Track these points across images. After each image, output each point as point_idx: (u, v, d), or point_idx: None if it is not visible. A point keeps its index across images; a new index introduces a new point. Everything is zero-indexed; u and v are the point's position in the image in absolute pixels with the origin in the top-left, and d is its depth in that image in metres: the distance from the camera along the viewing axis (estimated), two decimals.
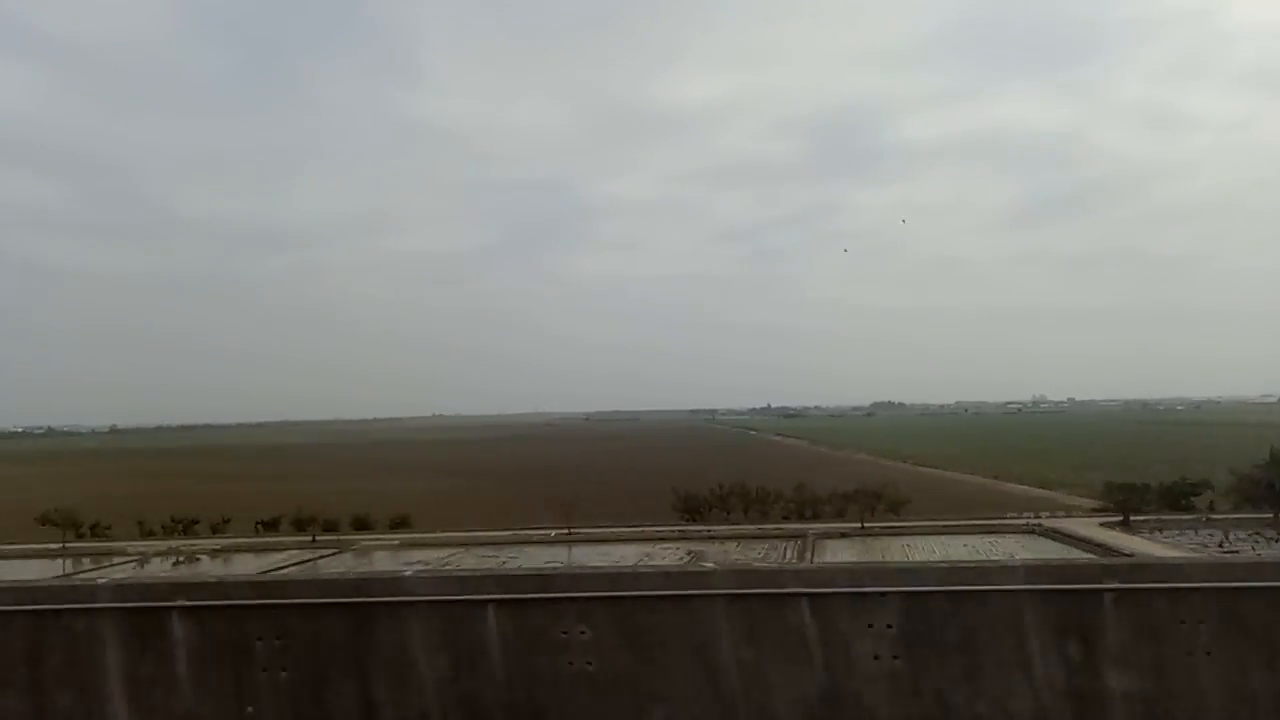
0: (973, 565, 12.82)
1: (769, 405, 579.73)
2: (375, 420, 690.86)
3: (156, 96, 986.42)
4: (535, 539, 46.04)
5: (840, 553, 39.93)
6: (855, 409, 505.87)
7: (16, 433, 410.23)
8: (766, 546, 42.15)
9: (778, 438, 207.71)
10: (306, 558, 42.90)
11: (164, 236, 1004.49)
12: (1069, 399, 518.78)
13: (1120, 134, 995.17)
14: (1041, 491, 67.04)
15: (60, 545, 48.57)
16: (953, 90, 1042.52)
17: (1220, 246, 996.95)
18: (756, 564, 33.39)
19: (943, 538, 43.19)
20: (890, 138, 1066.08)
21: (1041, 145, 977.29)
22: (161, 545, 46.84)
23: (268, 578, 16.25)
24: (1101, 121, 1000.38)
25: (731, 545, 43.12)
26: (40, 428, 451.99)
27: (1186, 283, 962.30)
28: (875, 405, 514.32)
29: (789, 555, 39.59)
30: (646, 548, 42.24)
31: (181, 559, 42.99)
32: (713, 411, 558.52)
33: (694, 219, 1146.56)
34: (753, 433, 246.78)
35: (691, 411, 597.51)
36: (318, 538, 48.25)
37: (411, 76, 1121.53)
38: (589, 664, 11.16)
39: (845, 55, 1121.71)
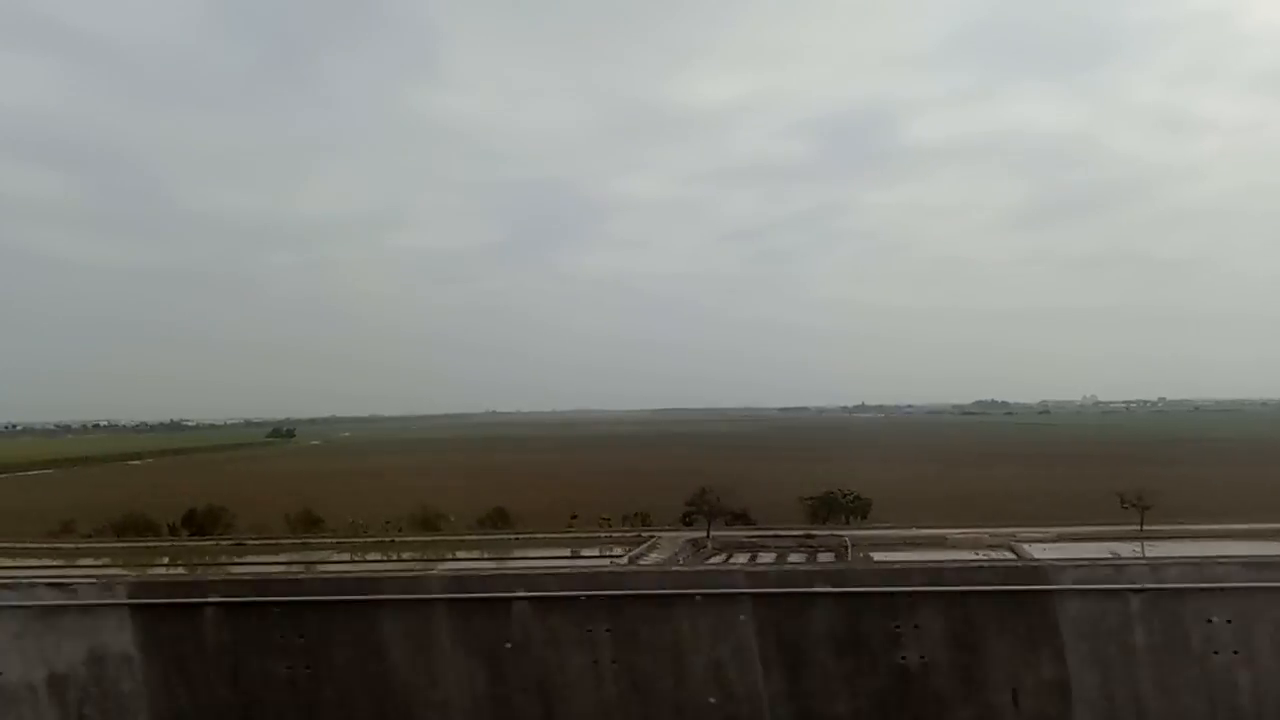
0: None
1: (863, 403, 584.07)
2: (435, 417, 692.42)
3: (174, 91, 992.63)
4: None
5: None
6: (955, 407, 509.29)
7: (89, 428, 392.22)
8: None
9: None
10: None
11: (175, 231, 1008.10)
12: (1160, 398, 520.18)
13: (1133, 136, 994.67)
14: None
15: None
16: (967, 91, 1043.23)
17: (1226, 249, 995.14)
18: None
19: None
20: (902, 138, 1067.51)
21: (1053, 147, 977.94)
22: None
23: None
24: (1115, 124, 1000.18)
25: None
26: (74, 423, 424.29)
27: (1194, 285, 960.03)
28: (977, 404, 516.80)
29: None
30: None
31: None
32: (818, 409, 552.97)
33: (703, 218, 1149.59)
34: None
35: (782, 409, 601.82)
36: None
37: (430, 73, 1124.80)
38: None
39: (863, 56, 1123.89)
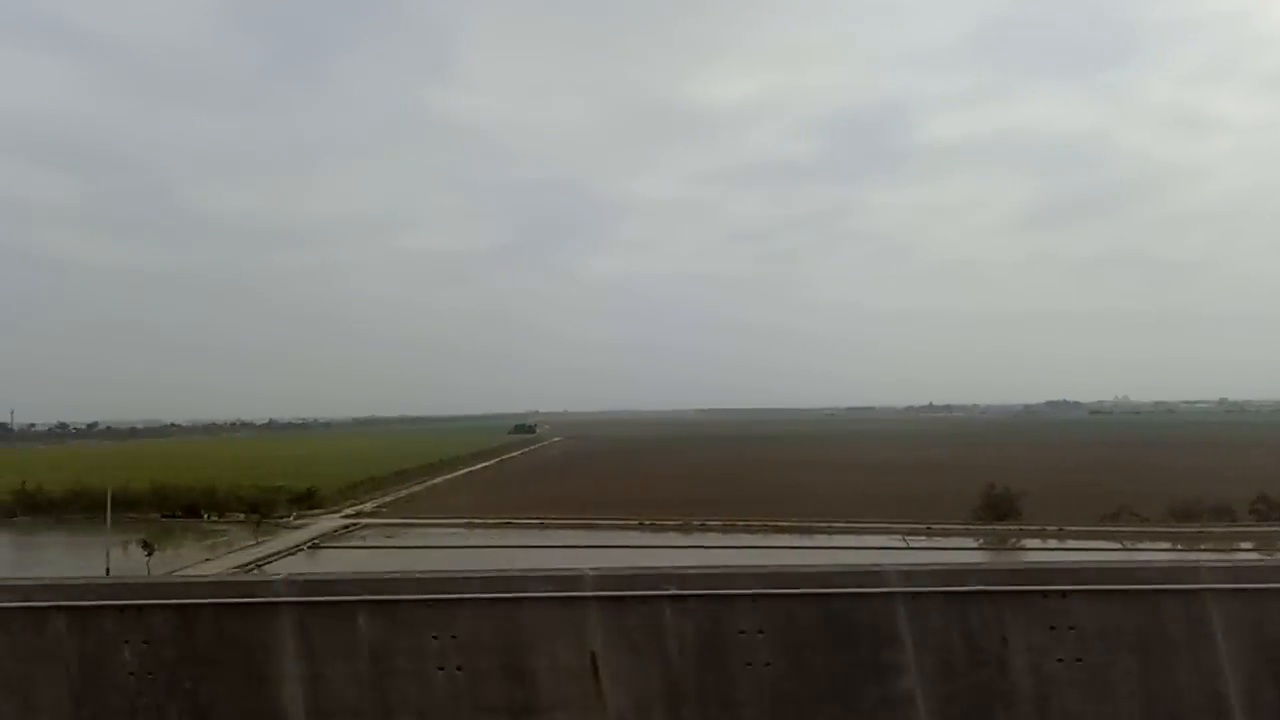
0: None
1: (931, 404, 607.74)
2: (485, 417, 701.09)
3: (186, 93, 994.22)
4: None
5: None
6: (1026, 407, 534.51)
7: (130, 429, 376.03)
8: None
9: None
10: None
11: (183, 233, 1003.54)
12: (1221, 399, 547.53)
13: (1146, 136, 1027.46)
14: None
15: None
16: (982, 90, 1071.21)
17: (1237, 249, 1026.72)
18: None
19: None
20: (915, 138, 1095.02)
21: (1066, 146, 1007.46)
22: None
23: None
24: (1128, 124, 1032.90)
25: None
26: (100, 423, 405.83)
27: (1204, 285, 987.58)
28: (1049, 404, 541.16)
29: None
30: None
31: None
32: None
33: (712, 219, 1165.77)
34: None
35: (849, 409, 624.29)
36: None
37: (445, 73, 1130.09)
38: None
39: (881, 54, 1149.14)
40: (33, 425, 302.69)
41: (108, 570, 55.25)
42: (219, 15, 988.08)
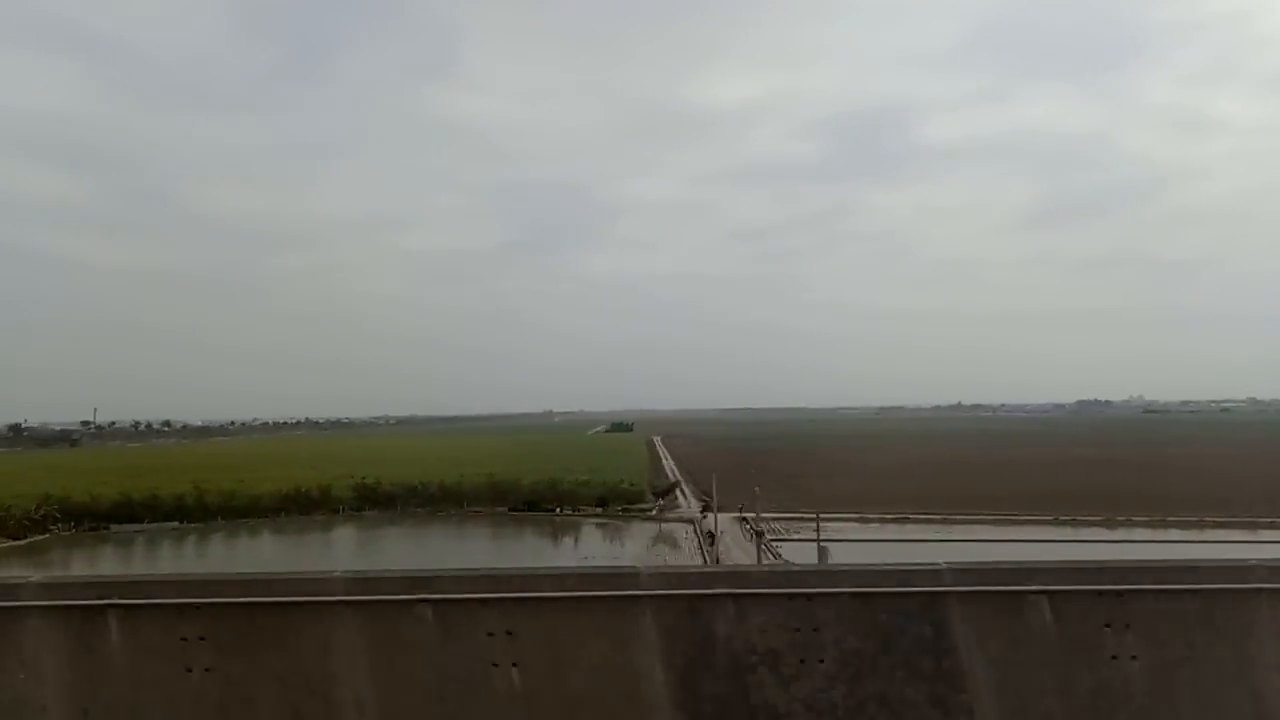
0: None
1: (960, 403, 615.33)
2: (502, 416, 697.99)
3: (191, 93, 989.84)
4: None
5: None
6: (1057, 406, 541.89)
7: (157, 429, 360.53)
8: None
9: None
10: None
11: (185, 234, 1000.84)
12: (1249, 398, 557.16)
13: (1146, 138, 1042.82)
14: None
15: None
16: (983, 92, 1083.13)
17: (1240, 249, 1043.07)
18: None
19: None
20: (915, 139, 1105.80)
21: (1066, 148, 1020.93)
22: None
23: None
24: (1129, 125, 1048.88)
25: None
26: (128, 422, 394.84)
27: (1205, 285, 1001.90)
28: (1080, 404, 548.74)
29: None
30: None
31: None
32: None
33: (713, 219, 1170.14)
34: None
35: (879, 409, 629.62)
36: None
37: (449, 74, 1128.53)
38: None
39: (883, 56, 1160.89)
40: (114, 423, 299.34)
41: (715, 558, 56.03)
42: (226, 18, 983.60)
